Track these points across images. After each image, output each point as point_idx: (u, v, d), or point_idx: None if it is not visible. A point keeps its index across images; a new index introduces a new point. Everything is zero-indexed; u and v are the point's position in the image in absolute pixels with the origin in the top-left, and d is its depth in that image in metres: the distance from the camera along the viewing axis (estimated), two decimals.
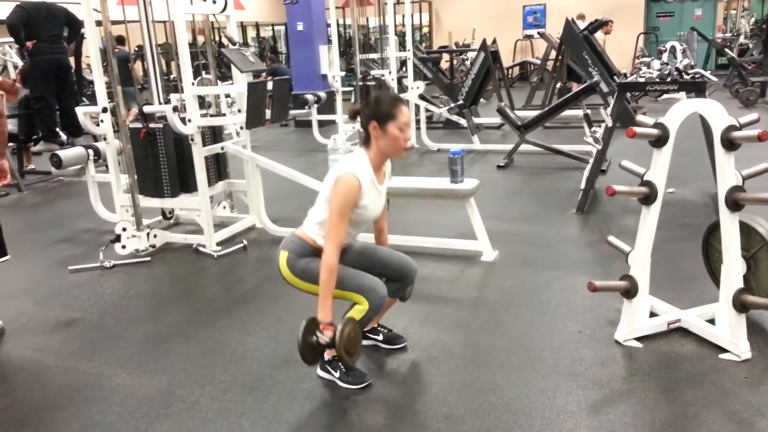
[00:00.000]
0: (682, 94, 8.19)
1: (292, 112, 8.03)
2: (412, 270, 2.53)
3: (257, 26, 17.96)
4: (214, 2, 3.91)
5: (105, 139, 4.16)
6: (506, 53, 13.43)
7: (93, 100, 5.59)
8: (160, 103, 4.11)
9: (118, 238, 3.92)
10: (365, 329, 2.70)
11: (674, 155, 2.49)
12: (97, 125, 4.08)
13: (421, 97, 7.56)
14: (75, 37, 6.78)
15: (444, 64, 14.27)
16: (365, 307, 2.30)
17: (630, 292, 2.57)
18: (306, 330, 2.20)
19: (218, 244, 4.12)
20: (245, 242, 4.14)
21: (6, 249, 2.96)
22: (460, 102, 8.13)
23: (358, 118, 2.34)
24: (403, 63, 8.31)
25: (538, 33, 11.65)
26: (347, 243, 2.43)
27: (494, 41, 8.88)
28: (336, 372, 2.41)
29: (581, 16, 10.93)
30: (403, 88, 7.60)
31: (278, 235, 4.26)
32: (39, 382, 2.61)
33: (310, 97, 8.03)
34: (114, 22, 3.83)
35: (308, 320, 2.22)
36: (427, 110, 7.84)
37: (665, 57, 10.68)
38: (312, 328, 2.21)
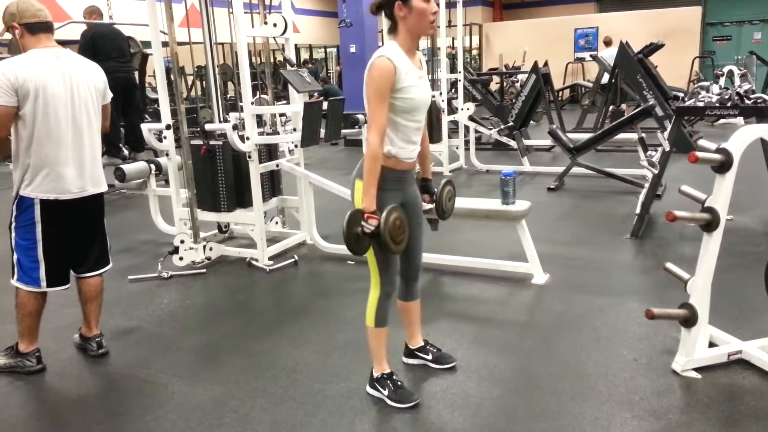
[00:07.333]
0: (740, 119, 7.93)
1: (343, 131, 8.13)
2: (416, 266, 2.53)
3: (310, 48, 18.37)
4: (275, 25, 4.04)
5: (167, 154, 4.33)
6: (557, 75, 13.32)
7: (155, 117, 5.84)
8: (220, 122, 4.25)
9: (176, 250, 4.05)
10: (415, 348, 2.71)
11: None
12: (160, 141, 4.24)
13: (471, 118, 7.57)
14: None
15: (494, 86, 14.25)
16: (377, 294, 2.35)
17: (689, 320, 2.50)
18: (350, 221, 2.16)
19: (270, 258, 4.20)
20: (296, 257, 4.21)
21: (109, 258, 3.05)
22: (510, 124, 8.09)
23: (383, 12, 2.25)
24: (453, 84, 8.35)
25: (590, 56, 11.53)
26: (407, 174, 2.35)
27: (545, 63, 8.84)
28: (385, 390, 2.42)
29: (608, 42, 11.31)
30: (453, 110, 7.63)
31: (328, 252, 4.33)
32: (96, 387, 2.71)
33: (360, 117, 8.13)
34: (179, 44, 4.00)
35: (351, 212, 2.19)
36: (476, 131, 7.84)
37: (722, 81, 10.38)
38: (356, 218, 2.17)
